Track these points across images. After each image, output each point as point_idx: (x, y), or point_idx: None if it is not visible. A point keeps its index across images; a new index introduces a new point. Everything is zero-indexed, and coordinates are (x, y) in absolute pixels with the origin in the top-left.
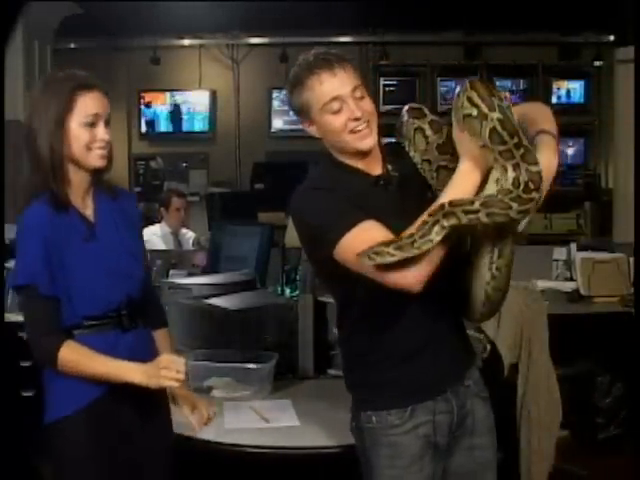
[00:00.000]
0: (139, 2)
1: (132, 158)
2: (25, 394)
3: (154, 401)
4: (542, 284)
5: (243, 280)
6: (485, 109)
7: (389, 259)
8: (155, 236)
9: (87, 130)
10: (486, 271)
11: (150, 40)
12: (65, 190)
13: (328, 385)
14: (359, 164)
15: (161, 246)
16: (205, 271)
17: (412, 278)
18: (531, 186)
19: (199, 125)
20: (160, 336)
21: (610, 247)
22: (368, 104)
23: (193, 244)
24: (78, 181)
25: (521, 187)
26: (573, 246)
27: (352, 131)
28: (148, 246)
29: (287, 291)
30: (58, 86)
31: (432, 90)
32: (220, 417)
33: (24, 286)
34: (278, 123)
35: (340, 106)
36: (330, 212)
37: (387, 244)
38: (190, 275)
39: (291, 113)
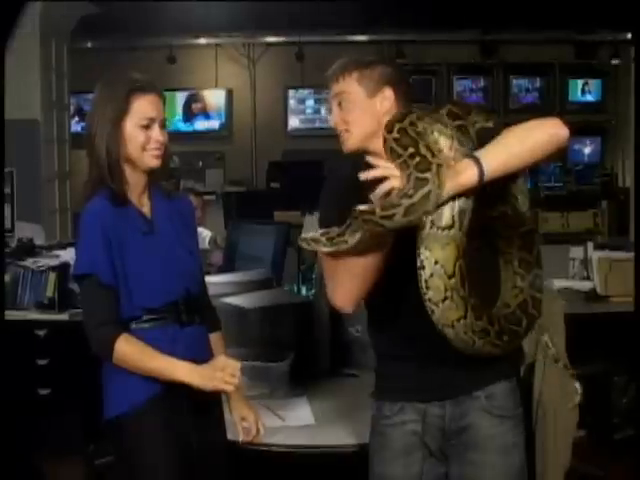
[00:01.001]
0: (155, 2)
1: None
2: (41, 392)
3: (209, 402)
4: (559, 283)
5: (259, 279)
6: (385, 133)
7: (322, 248)
8: None
9: (142, 131)
10: (425, 305)
11: (166, 39)
12: (122, 188)
13: (344, 383)
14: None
15: None
16: (221, 270)
17: (338, 297)
18: (409, 192)
19: (215, 124)
20: (215, 339)
21: (627, 246)
22: (347, 113)
23: (209, 243)
24: (135, 181)
25: (401, 194)
26: (590, 245)
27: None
28: None
29: (303, 290)
30: (115, 88)
31: (448, 89)
32: None
33: (84, 276)
34: (294, 122)
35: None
36: (320, 219)
37: (323, 234)
38: (206, 274)
39: (307, 112)
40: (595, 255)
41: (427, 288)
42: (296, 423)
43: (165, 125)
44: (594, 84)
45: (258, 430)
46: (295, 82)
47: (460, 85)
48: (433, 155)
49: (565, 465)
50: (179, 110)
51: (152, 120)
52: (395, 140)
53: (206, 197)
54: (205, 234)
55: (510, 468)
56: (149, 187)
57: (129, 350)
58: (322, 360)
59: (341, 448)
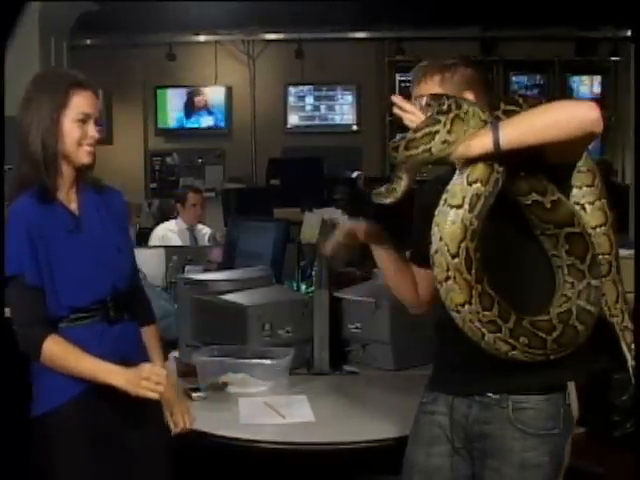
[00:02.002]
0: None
1: (148, 154)
2: None
3: (145, 402)
4: None
5: (259, 276)
6: None
7: (385, 200)
8: (171, 232)
9: (79, 127)
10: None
11: (166, 36)
12: (55, 184)
13: (343, 381)
14: None
15: (177, 242)
16: (221, 267)
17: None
18: (418, 127)
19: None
20: (148, 333)
21: (628, 243)
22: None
23: (209, 240)
24: (65, 176)
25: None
26: None
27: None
28: (164, 242)
29: (303, 287)
30: (53, 83)
31: None
32: (236, 413)
33: (11, 277)
34: (294, 119)
35: None
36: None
37: (385, 189)
38: (206, 271)
39: (307, 109)
40: None
41: (433, 264)
42: (295, 420)
43: (98, 123)
44: (594, 81)
45: (183, 428)
46: (295, 79)
47: None
48: (458, 108)
49: (565, 464)
50: (179, 107)
51: (88, 116)
52: (432, 98)
53: (206, 194)
54: (205, 231)
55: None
56: (77, 182)
57: (56, 350)
58: (321, 357)
59: (341, 445)
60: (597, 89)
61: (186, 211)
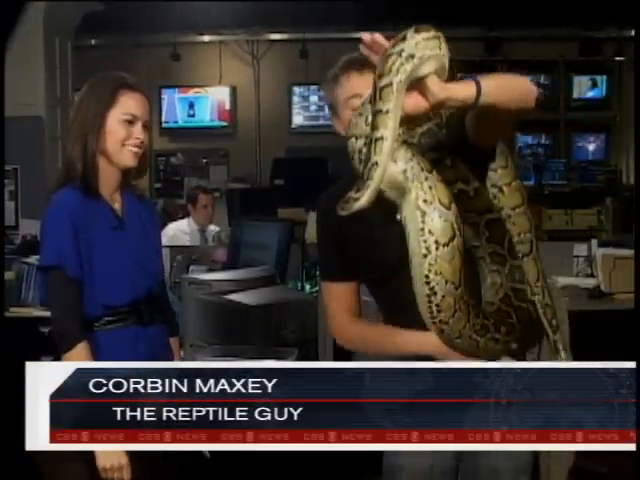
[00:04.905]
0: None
1: (152, 154)
2: None
3: None
4: (563, 280)
5: (263, 276)
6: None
7: (355, 205)
8: (182, 232)
9: (124, 127)
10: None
11: (170, 36)
12: (94, 182)
13: None
14: None
15: (187, 243)
16: (225, 267)
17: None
18: None
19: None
20: (172, 345)
21: (631, 243)
22: None
23: (213, 239)
24: (108, 177)
25: None
26: (594, 242)
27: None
28: (173, 241)
29: (307, 287)
30: (101, 85)
31: None
32: None
33: (50, 267)
34: (298, 119)
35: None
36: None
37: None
38: (210, 271)
39: (311, 109)
40: (599, 252)
41: (438, 312)
42: None
43: (147, 128)
44: (598, 81)
45: None
46: (299, 79)
47: None
48: None
49: (568, 463)
50: (183, 107)
51: (136, 117)
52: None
53: None
54: (211, 229)
55: (521, 459)
56: (122, 186)
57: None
58: (325, 357)
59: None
60: (601, 89)
61: (197, 212)
